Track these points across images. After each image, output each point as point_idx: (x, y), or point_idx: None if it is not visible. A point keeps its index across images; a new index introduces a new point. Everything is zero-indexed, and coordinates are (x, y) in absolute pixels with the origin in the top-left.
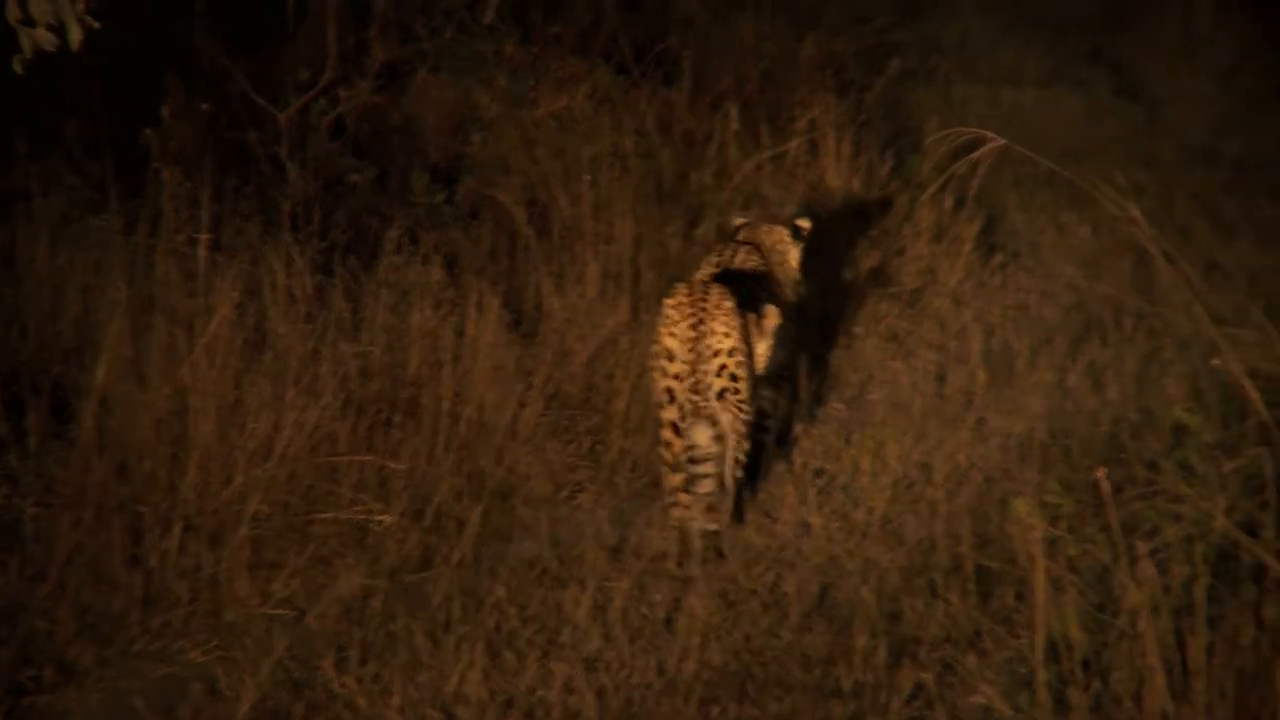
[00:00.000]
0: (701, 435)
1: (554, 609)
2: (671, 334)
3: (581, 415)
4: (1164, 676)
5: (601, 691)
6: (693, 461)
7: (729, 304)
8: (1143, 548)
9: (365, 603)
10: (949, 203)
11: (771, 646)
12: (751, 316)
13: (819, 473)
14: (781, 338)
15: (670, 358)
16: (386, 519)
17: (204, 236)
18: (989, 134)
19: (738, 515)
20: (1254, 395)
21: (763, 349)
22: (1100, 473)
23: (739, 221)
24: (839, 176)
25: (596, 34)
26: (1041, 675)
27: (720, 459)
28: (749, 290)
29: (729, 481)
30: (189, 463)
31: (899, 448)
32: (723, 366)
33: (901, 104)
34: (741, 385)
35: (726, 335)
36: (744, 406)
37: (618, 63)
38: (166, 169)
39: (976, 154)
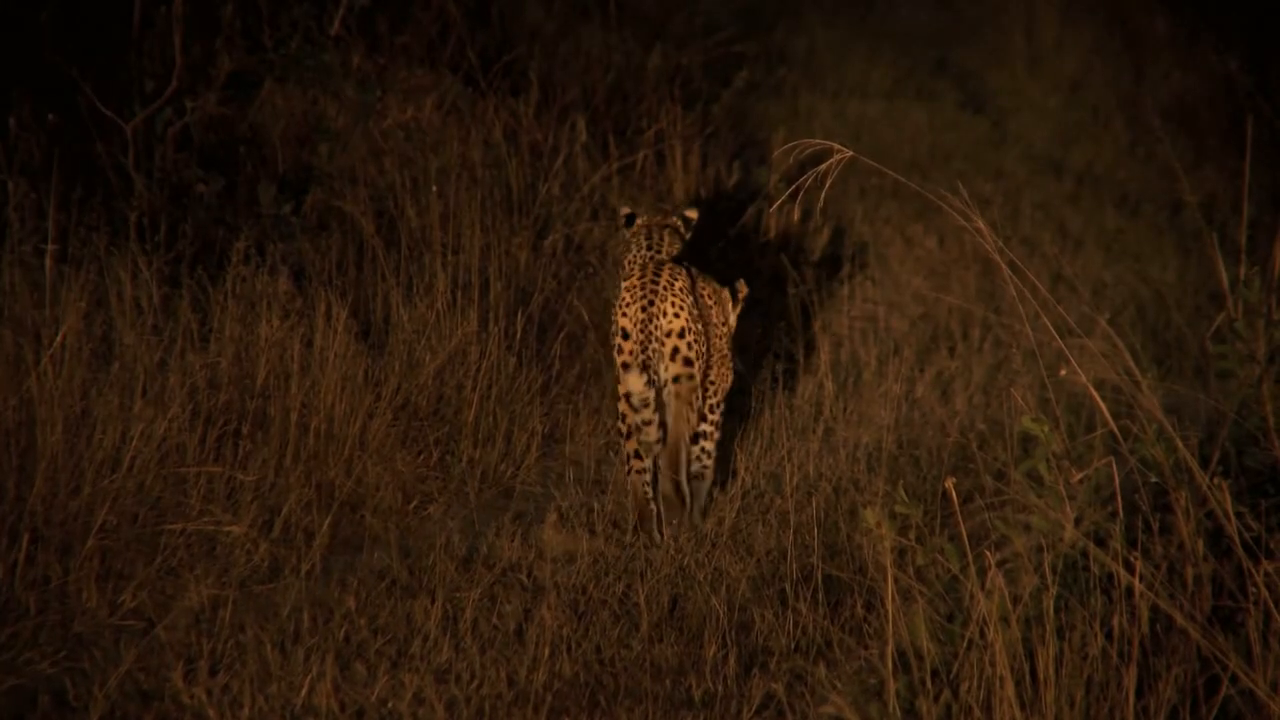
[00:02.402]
0: (636, 383)
1: (404, 620)
2: (624, 314)
3: (430, 426)
4: (1013, 686)
5: (452, 703)
6: (634, 410)
7: (680, 283)
8: (991, 558)
9: (214, 614)
10: (796, 214)
11: (622, 657)
12: (726, 292)
13: None
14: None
15: (625, 336)
16: (235, 530)
17: (50, 247)
18: (836, 145)
19: (695, 508)
20: (1101, 405)
21: (733, 320)
22: (949, 483)
23: (625, 211)
24: (686, 188)
25: (444, 45)
26: (891, 685)
27: (659, 406)
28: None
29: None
30: (37, 473)
31: (748, 458)
32: (675, 350)
33: (748, 116)
34: (695, 370)
35: (677, 316)
36: (696, 390)
37: (465, 73)
38: (12, 180)
39: (823, 166)
